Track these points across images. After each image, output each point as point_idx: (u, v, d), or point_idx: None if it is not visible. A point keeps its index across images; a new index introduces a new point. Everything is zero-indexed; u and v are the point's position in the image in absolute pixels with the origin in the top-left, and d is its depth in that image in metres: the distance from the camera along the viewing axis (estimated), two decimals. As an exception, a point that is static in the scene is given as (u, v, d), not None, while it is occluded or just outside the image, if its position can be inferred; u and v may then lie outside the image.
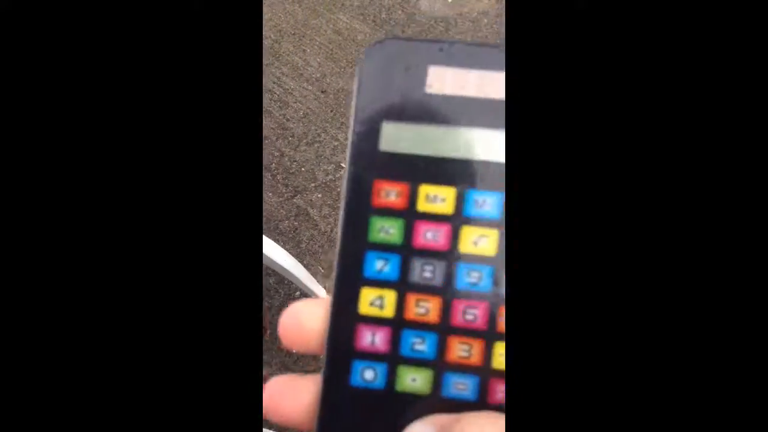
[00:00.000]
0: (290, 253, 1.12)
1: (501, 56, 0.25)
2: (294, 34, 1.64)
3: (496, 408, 0.25)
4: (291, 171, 1.42)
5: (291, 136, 1.46)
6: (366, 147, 0.25)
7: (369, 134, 0.25)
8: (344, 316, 0.25)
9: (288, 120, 1.48)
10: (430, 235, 0.25)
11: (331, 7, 1.68)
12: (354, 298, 0.25)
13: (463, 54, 0.25)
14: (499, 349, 0.25)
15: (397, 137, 0.25)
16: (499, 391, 0.25)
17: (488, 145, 0.25)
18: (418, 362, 0.25)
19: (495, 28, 1.63)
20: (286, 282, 1.30)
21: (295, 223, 1.36)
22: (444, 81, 0.25)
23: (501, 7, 1.67)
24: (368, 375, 0.25)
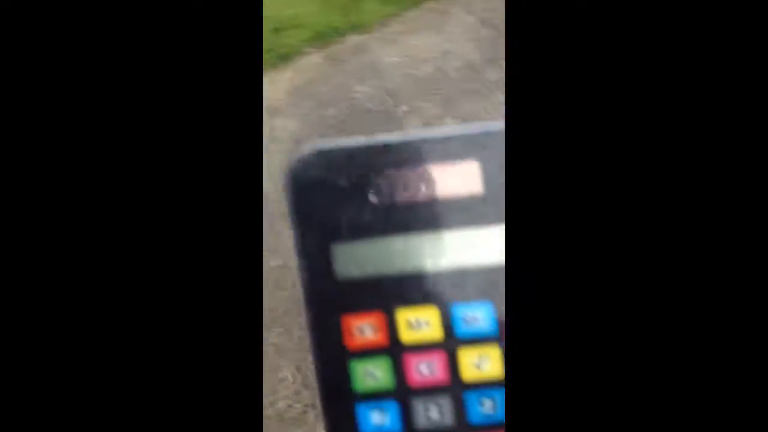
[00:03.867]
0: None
1: (465, 142, 0.20)
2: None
3: None
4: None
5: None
6: (320, 279, 0.21)
7: (319, 263, 0.21)
8: None
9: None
10: (425, 369, 0.21)
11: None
12: None
13: (410, 151, 0.21)
14: None
15: (353, 259, 0.21)
16: None
17: (460, 248, 0.20)
18: None
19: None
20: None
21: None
22: (393, 186, 0.21)
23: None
24: None
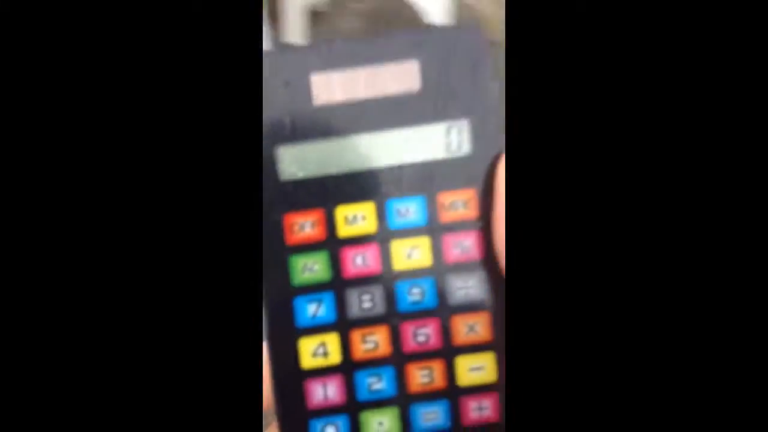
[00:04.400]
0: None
1: (400, 42, 0.23)
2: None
3: (472, 429, 0.22)
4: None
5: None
6: (265, 180, 0.22)
7: (265, 165, 0.22)
8: (287, 376, 0.22)
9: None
10: (360, 261, 0.23)
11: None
12: (293, 354, 0.22)
13: (347, 52, 0.23)
14: (462, 364, 0.22)
15: (296, 161, 0.23)
16: (471, 410, 0.22)
17: (397, 147, 0.23)
18: (380, 403, 0.22)
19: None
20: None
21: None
22: (331, 88, 0.23)
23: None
24: None
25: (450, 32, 0.23)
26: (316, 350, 0.22)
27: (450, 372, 0.22)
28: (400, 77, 0.22)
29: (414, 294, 0.22)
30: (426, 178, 0.22)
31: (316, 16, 0.87)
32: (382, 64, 0.22)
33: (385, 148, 0.22)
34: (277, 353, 0.22)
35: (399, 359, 0.22)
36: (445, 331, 0.22)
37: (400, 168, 0.22)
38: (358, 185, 0.23)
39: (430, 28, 0.23)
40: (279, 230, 0.22)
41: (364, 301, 0.22)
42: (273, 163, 0.22)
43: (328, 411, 0.22)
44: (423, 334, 0.22)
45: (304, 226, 0.23)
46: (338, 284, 0.22)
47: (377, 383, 0.22)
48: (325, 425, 0.22)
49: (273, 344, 0.22)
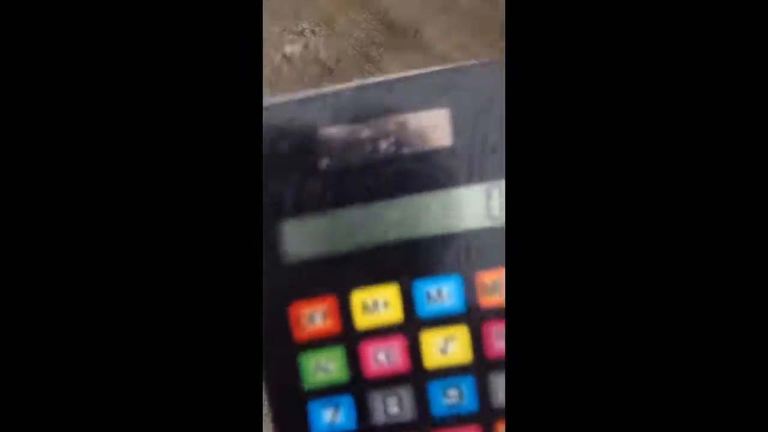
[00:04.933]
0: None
1: (423, 85, 0.19)
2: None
3: None
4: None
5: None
6: (267, 262, 0.19)
7: (265, 245, 0.19)
8: None
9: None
10: (383, 357, 0.19)
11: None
12: None
13: (360, 100, 0.19)
14: None
15: (304, 237, 0.19)
16: None
17: (424, 216, 0.18)
18: None
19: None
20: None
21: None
22: (342, 145, 0.18)
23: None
24: None
25: (476, 71, 0.19)
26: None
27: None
28: (428, 129, 0.18)
29: (451, 396, 0.18)
30: (462, 253, 0.18)
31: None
32: (403, 114, 0.18)
33: (410, 217, 0.18)
34: None
35: None
36: None
37: (430, 241, 0.18)
38: (376, 264, 0.19)
39: (455, 68, 0.19)
40: (284, 323, 0.19)
41: (390, 406, 0.19)
42: (275, 242, 0.18)
43: None
44: (463, 445, 0.18)
45: (314, 316, 0.19)
46: (358, 386, 0.19)
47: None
48: None
49: None
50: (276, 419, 0.19)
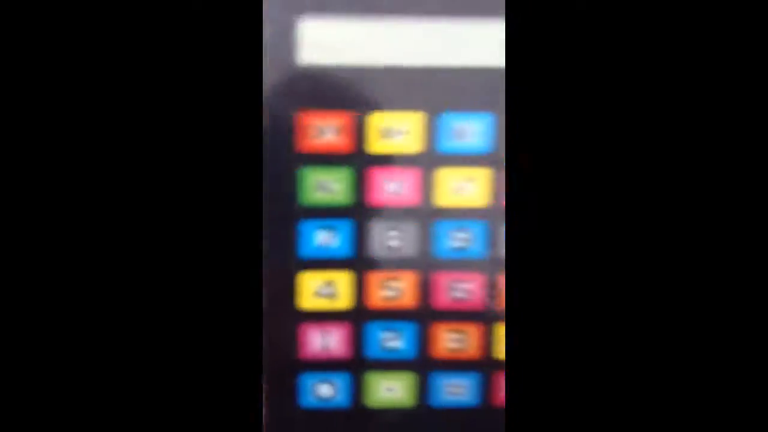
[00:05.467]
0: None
1: None
2: None
3: (500, 411, 0.18)
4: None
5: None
6: (279, 61, 0.16)
7: (282, 41, 0.16)
8: (280, 314, 0.17)
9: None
10: (393, 187, 0.17)
11: None
12: (289, 288, 0.17)
13: None
14: (502, 333, 0.18)
15: (323, 40, 0.16)
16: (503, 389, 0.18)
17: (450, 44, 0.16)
18: (393, 365, 0.18)
19: None
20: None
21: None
22: None
23: None
24: (324, 391, 0.18)
25: None
26: (320, 289, 0.17)
27: (487, 341, 0.18)
28: None
29: (458, 238, 0.17)
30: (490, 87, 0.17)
31: None
32: None
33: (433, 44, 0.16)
34: (272, 287, 0.17)
35: (425, 315, 0.18)
36: (490, 291, 0.18)
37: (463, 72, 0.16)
38: (406, 86, 0.17)
39: None
40: (288, 131, 0.17)
41: (392, 239, 0.17)
42: (292, 41, 0.16)
43: (325, 365, 0.18)
44: (461, 289, 0.18)
45: (324, 130, 0.17)
46: (361, 212, 0.17)
47: (393, 340, 0.18)
48: (319, 382, 0.18)
49: (269, 276, 0.17)
50: (268, 236, 0.17)
